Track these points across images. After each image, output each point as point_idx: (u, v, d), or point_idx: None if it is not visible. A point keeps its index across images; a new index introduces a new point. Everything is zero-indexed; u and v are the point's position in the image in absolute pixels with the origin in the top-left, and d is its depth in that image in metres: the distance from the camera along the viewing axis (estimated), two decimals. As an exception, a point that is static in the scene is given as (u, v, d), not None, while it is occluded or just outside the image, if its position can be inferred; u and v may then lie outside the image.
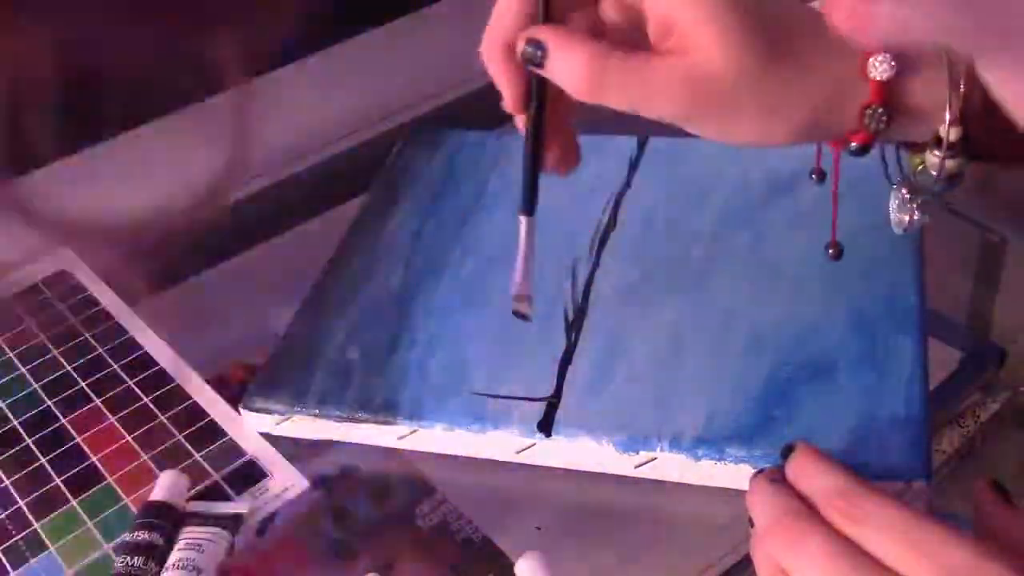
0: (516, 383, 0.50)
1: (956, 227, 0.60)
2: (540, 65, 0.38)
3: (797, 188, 0.59)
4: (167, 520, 0.47)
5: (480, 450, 0.49)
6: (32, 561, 0.47)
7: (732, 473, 0.45)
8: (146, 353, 0.58)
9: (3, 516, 0.49)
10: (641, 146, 0.64)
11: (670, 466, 0.46)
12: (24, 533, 0.48)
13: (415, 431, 0.49)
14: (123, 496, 0.50)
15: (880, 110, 0.37)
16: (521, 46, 0.39)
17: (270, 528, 0.48)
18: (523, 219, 0.45)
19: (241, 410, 0.52)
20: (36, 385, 0.56)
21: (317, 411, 0.50)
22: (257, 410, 0.51)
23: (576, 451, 0.47)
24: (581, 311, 0.53)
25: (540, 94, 0.41)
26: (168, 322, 0.60)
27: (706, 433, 0.46)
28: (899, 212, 0.43)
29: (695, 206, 0.59)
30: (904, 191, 0.42)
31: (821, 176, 0.48)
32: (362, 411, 0.50)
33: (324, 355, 0.53)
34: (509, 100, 0.42)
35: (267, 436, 0.52)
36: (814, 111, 0.38)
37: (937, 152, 0.39)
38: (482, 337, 0.52)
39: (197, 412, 0.54)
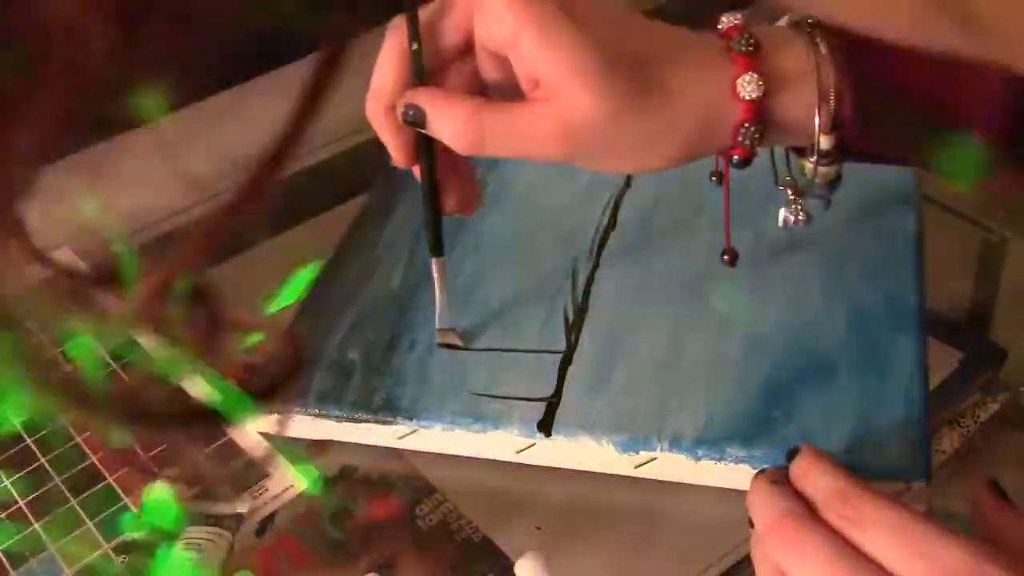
0: (516, 383, 0.50)
1: (956, 227, 0.60)
2: (421, 126, 0.41)
3: (797, 188, 0.59)
4: (167, 520, 0.47)
5: (480, 450, 0.49)
6: (32, 561, 0.47)
7: (732, 473, 0.45)
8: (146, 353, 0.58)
9: (3, 515, 0.49)
10: (641, 146, 0.64)
11: (670, 466, 0.46)
12: (24, 533, 0.48)
13: (415, 431, 0.49)
14: (123, 496, 0.50)
15: (752, 128, 0.39)
16: (401, 109, 0.41)
17: (270, 528, 0.48)
18: (434, 261, 0.49)
19: (241, 410, 0.52)
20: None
21: (317, 411, 0.50)
22: (257, 410, 0.51)
23: (576, 451, 0.47)
24: (581, 311, 0.53)
25: (428, 148, 0.44)
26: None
27: (706, 433, 0.46)
28: (785, 211, 0.45)
29: (695, 206, 0.59)
30: (789, 192, 0.44)
31: (720, 178, 0.49)
32: (362, 411, 0.50)
33: (324, 355, 0.53)
34: (396, 157, 0.44)
35: (267, 436, 0.52)
36: (688, 136, 0.39)
37: (812, 159, 0.41)
38: (482, 337, 0.52)
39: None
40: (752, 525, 0.38)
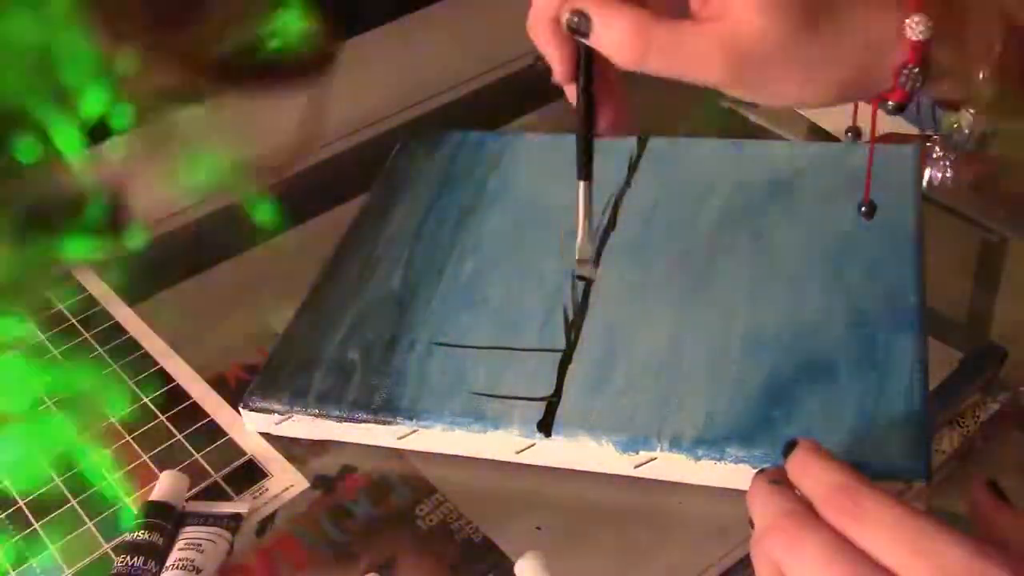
0: (516, 383, 0.50)
1: (956, 227, 0.60)
2: (585, 35, 0.39)
3: (797, 188, 0.59)
4: (167, 520, 0.47)
5: (480, 450, 0.49)
6: (32, 561, 0.47)
7: (732, 473, 0.45)
8: (146, 353, 0.58)
9: (3, 516, 0.49)
10: (641, 146, 0.64)
11: (670, 466, 0.46)
12: (24, 533, 0.48)
13: (415, 431, 0.49)
14: (123, 496, 0.50)
15: (916, 70, 0.38)
16: (566, 16, 0.40)
17: (270, 528, 0.48)
18: (581, 184, 0.46)
19: (241, 410, 0.52)
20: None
21: (317, 411, 0.50)
22: (257, 410, 0.51)
23: (576, 451, 0.47)
24: (581, 311, 0.53)
25: (587, 64, 0.43)
26: (168, 322, 0.60)
27: (706, 433, 0.46)
28: (931, 168, 0.43)
29: (695, 206, 0.59)
30: (937, 148, 0.43)
31: (857, 133, 0.48)
32: (362, 411, 0.50)
33: (324, 355, 0.53)
34: (558, 72, 0.43)
35: (267, 436, 0.52)
36: (852, 72, 0.38)
37: (970, 112, 0.40)
38: (482, 336, 0.52)
39: (197, 412, 0.54)
40: (752, 525, 0.38)
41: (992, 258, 0.59)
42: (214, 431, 0.53)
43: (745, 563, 0.44)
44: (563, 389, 0.49)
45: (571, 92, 0.44)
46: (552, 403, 0.48)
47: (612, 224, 0.59)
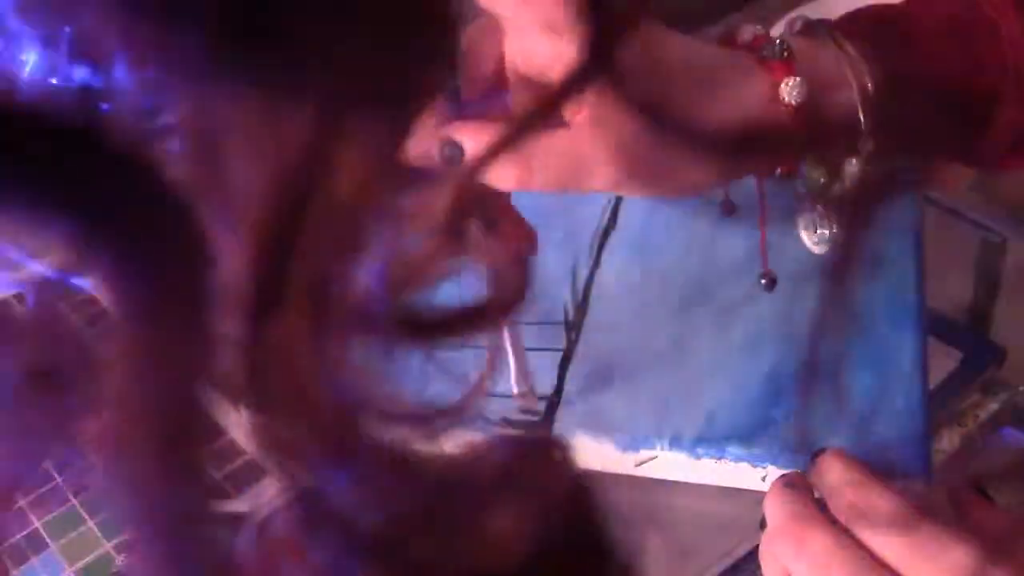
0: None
1: (956, 227, 0.60)
2: (459, 163, 0.37)
3: (797, 187, 0.59)
4: (167, 519, 0.47)
5: (480, 449, 0.49)
6: (33, 560, 0.47)
7: (732, 472, 0.45)
8: (147, 353, 0.58)
9: (4, 515, 0.49)
10: (641, 146, 0.64)
11: (670, 465, 0.46)
12: (25, 532, 0.48)
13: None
14: (124, 495, 0.50)
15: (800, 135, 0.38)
16: (438, 148, 0.37)
17: (270, 528, 0.48)
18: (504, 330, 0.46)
19: (241, 409, 0.52)
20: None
21: (317, 410, 0.50)
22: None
23: (576, 450, 0.47)
24: (581, 311, 0.53)
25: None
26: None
27: (706, 432, 0.46)
28: (820, 227, 0.43)
29: (695, 206, 0.59)
30: (820, 207, 0.43)
31: (731, 209, 0.48)
32: (362, 410, 0.50)
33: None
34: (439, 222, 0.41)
35: (267, 435, 0.52)
36: (733, 163, 0.39)
37: (855, 162, 0.39)
38: (482, 336, 0.52)
39: (197, 411, 0.54)
40: (762, 528, 0.38)
41: (992, 258, 0.59)
42: (214, 431, 0.53)
43: (744, 563, 0.44)
44: (563, 388, 0.49)
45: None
46: (552, 402, 0.48)
47: (612, 224, 0.59)
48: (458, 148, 0.37)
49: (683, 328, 0.51)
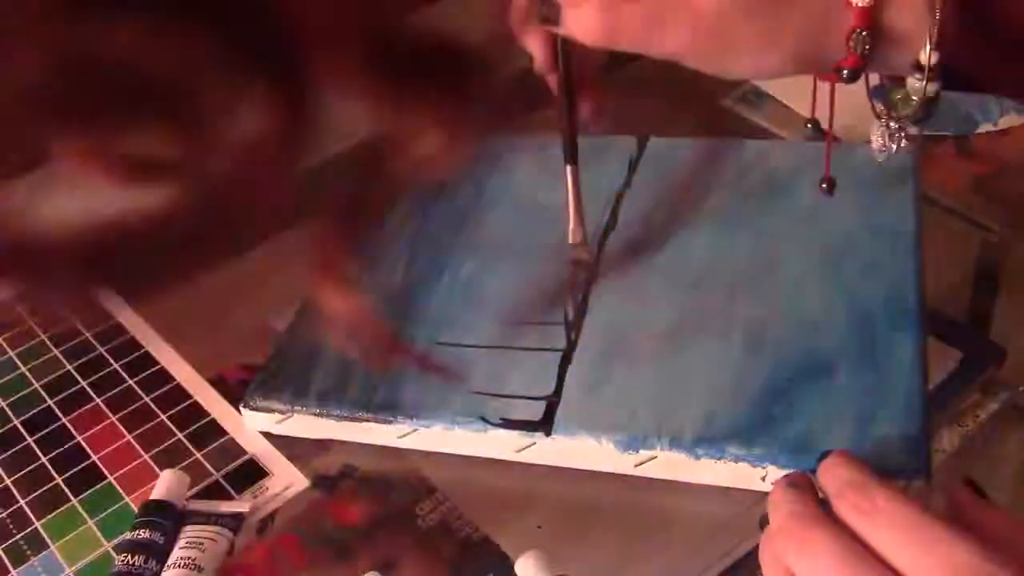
0: (516, 382, 0.50)
1: (956, 227, 0.60)
2: (556, 23, 0.42)
3: (797, 188, 0.59)
4: (167, 519, 0.47)
5: (480, 449, 0.49)
6: (33, 559, 0.47)
7: (732, 472, 0.45)
8: (146, 353, 0.58)
9: (4, 515, 0.49)
10: (641, 146, 0.64)
11: (670, 465, 0.46)
12: (25, 532, 0.48)
13: (415, 430, 0.49)
14: (123, 495, 0.50)
15: (864, 34, 0.40)
16: (538, 7, 0.43)
17: (270, 527, 0.48)
18: (568, 168, 0.50)
19: (241, 409, 0.52)
20: (36, 385, 0.56)
21: (317, 410, 0.50)
22: (258, 409, 0.51)
23: (576, 450, 0.47)
24: (581, 311, 0.53)
25: (565, 53, 0.46)
26: (168, 322, 0.60)
27: (706, 432, 0.46)
28: (887, 140, 0.45)
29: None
30: (890, 122, 0.45)
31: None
32: (362, 410, 0.50)
33: (324, 354, 0.53)
34: (538, 61, 0.47)
35: (267, 435, 0.52)
36: (804, 40, 0.41)
37: (918, 76, 0.41)
38: (482, 336, 0.52)
39: (197, 411, 0.54)
40: (762, 528, 0.38)
41: (992, 258, 0.59)
42: (215, 430, 0.53)
43: (744, 562, 0.44)
44: (563, 388, 0.49)
45: (552, 82, 0.48)
46: (552, 402, 0.48)
47: (612, 224, 0.59)
48: (555, 8, 0.42)
49: (683, 327, 0.51)
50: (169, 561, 0.45)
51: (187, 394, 0.55)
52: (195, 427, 0.53)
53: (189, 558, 0.45)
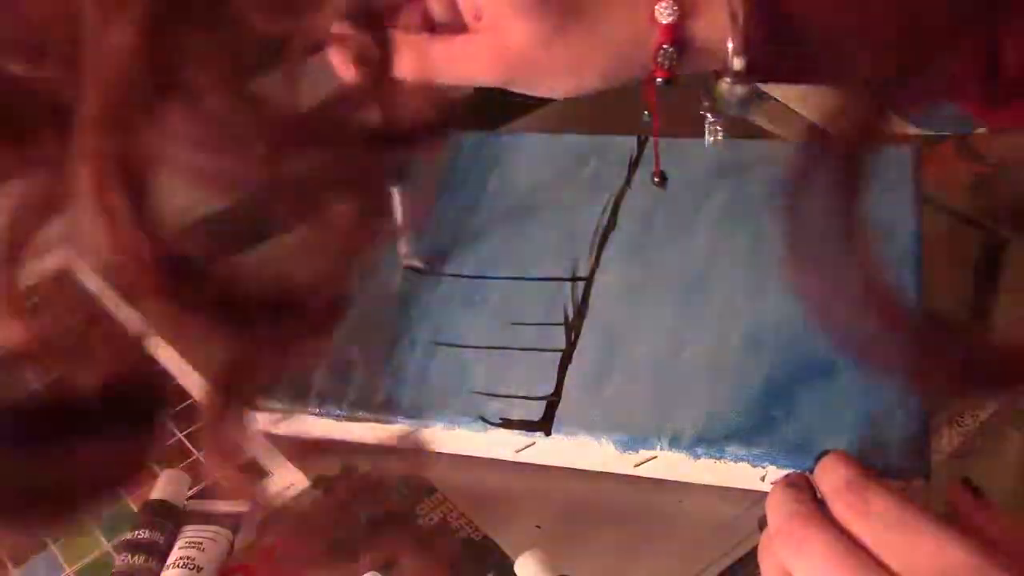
0: (516, 383, 0.50)
1: (956, 227, 0.60)
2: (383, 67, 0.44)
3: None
4: (167, 519, 0.47)
5: (480, 449, 0.49)
6: (33, 559, 0.47)
7: (731, 472, 0.45)
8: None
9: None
10: (641, 146, 0.64)
11: (670, 465, 0.46)
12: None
13: (416, 430, 0.49)
14: (123, 495, 0.50)
15: (671, 50, 0.43)
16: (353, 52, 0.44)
17: (270, 527, 0.48)
18: (394, 190, 0.53)
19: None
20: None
21: (318, 410, 0.50)
22: (258, 409, 0.51)
23: (576, 450, 0.47)
24: (581, 311, 0.53)
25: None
26: (168, 322, 0.60)
27: (705, 432, 0.46)
28: (707, 133, 0.49)
29: (695, 206, 0.59)
30: (709, 115, 0.48)
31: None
32: (362, 410, 0.50)
33: (324, 354, 0.53)
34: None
35: (268, 435, 0.52)
36: (613, 58, 0.43)
37: (727, 80, 0.44)
38: (482, 336, 0.52)
39: (197, 411, 0.54)
40: (761, 529, 0.38)
41: (992, 258, 0.59)
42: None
43: (744, 562, 0.44)
44: (563, 388, 0.49)
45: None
46: (552, 402, 0.48)
47: (612, 224, 0.59)
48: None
49: (683, 328, 0.51)
50: (169, 561, 0.45)
51: (187, 394, 0.55)
52: (195, 427, 0.53)
53: (189, 558, 0.45)
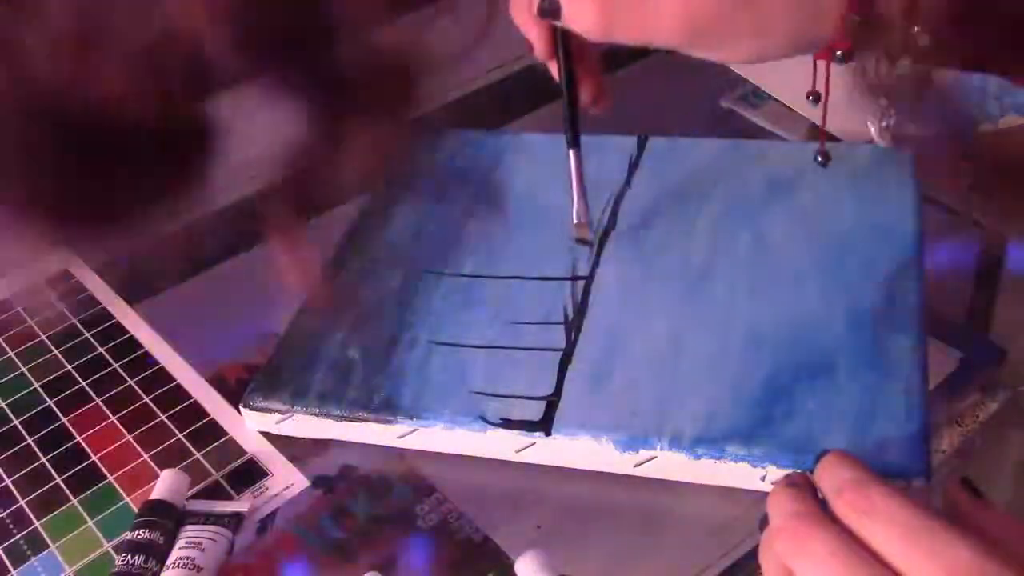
0: (516, 382, 0.50)
1: (956, 227, 0.60)
2: (556, 16, 0.45)
3: (797, 188, 0.59)
4: (167, 519, 0.47)
5: (480, 449, 0.49)
6: (33, 560, 0.47)
7: (732, 472, 0.45)
8: (146, 353, 0.58)
9: (4, 515, 0.49)
10: (641, 146, 0.64)
11: (670, 465, 0.46)
12: (25, 532, 0.48)
13: (415, 430, 0.49)
14: (123, 495, 0.50)
15: (857, 18, 0.41)
16: (537, 2, 0.45)
17: (270, 527, 0.48)
18: (572, 153, 0.53)
19: (241, 409, 0.52)
20: (36, 385, 0.56)
21: (317, 410, 0.50)
22: (257, 409, 0.51)
23: (576, 450, 0.47)
24: (581, 311, 0.53)
25: (565, 42, 0.49)
26: (168, 322, 0.60)
27: (706, 432, 0.46)
28: (875, 122, 0.49)
29: (695, 206, 0.59)
30: (883, 100, 0.48)
31: (817, 97, 0.50)
32: (362, 410, 0.50)
33: (324, 354, 0.53)
34: (538, 51, 0.50)
35: (267, 435, 0.52)
36: (800, 24, 0.42)
37: (909, 58, 0.42)
38: (482, 336, 0.52)
39: (197, 411, 0.54)
40: (761, 528, 0.38)
41: (992, 258, 0.59)
42: (214, 430, 0.53)
43: (745, 562, 0.44)
44: (563, 388, 0.49)
45: (553, 69, 0.51)
46: (552, 402, 0.48)
47: (612, 224, 0.59)
48: (555, 2, 0.44)
49: (683, 328, 0.51)
50: (169, 561, 0.45)
51: (187, 394, 0.55)
52: (195, 427, 0.53)
53: (189, 558, 0.45)
